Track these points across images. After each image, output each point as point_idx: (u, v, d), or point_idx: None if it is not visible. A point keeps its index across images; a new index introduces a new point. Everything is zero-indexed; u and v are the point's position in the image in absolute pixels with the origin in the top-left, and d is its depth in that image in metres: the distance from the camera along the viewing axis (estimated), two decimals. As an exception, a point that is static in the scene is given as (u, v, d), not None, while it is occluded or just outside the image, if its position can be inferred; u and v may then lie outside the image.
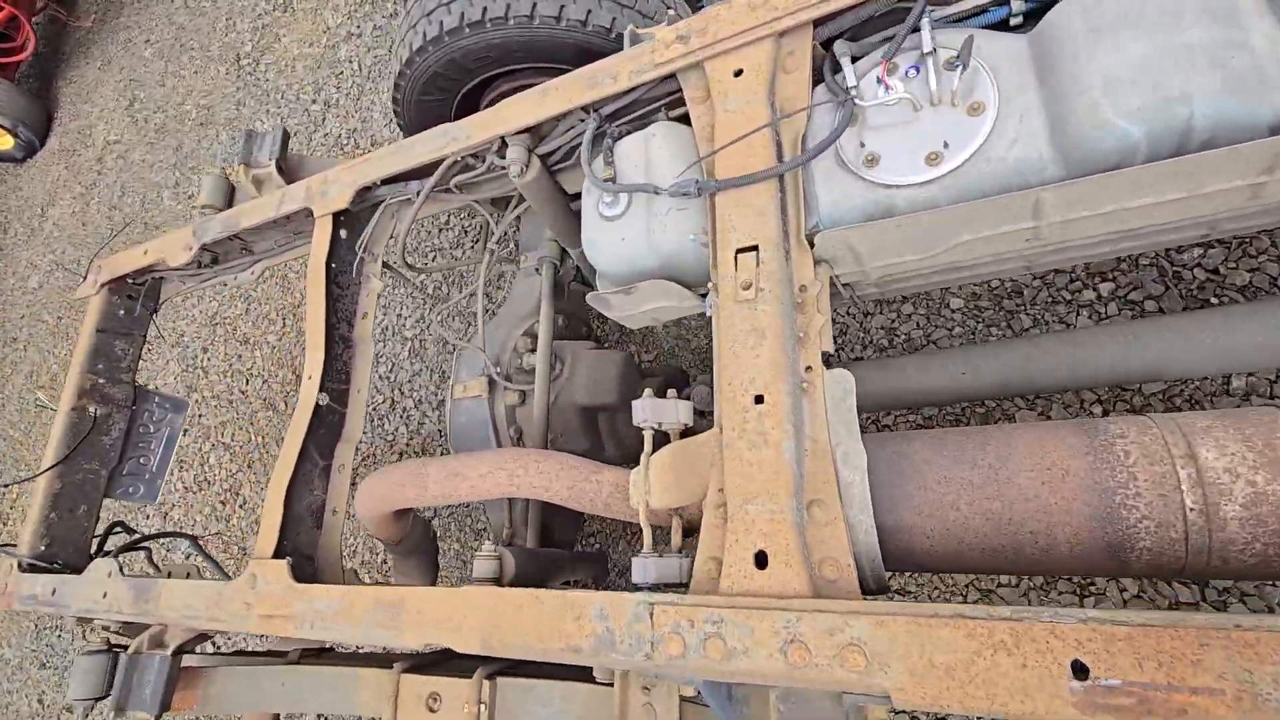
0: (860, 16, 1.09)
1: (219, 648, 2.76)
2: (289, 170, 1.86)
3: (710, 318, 1.11)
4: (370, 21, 4.02)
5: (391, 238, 1.77)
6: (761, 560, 0.89)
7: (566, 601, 1.00)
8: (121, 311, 2.20)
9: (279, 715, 1.79)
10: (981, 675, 0.72)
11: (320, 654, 1.64)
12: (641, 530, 1.06)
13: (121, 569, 1.66)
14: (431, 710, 1.30)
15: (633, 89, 1.26)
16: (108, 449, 2.14)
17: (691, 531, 1.10)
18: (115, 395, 2.16)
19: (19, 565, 1.90)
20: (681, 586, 0.99)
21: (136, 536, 2.12)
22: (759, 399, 0.96)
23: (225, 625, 1.38)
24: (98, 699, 1.64)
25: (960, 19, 1.05)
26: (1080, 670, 0.68)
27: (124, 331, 2.20)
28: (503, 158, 1.47)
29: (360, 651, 2.29)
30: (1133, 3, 0.88)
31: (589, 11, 1.67)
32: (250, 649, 2.64)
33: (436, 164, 1.53)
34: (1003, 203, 0.92)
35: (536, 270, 1.84)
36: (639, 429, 1.13)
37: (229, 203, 2.02)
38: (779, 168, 1.03)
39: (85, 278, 2.24)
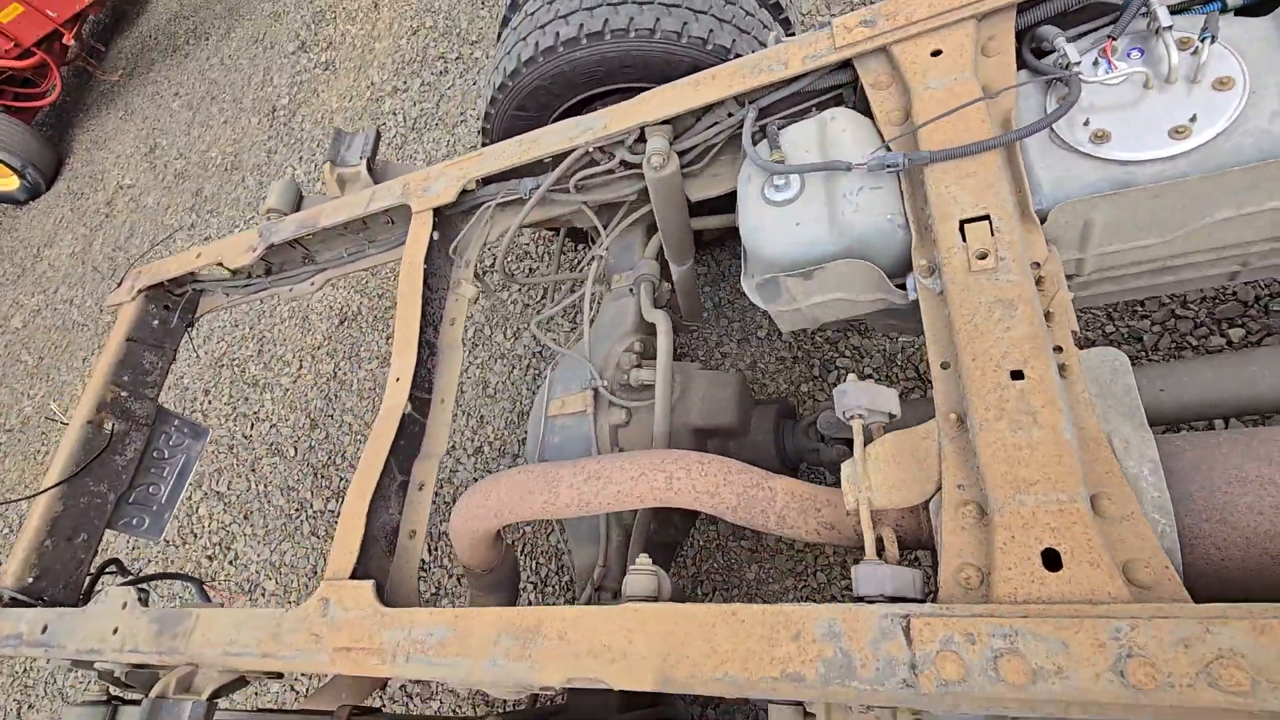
0: (1068, 2, 1.05)
1: (234, 702, 2.36)
2: (376, 174, 1.75)
3: (915, 301, 0.99)
4: (418, 78, 4.08)
5: (485, 245, 1.65)
6: (1053, 561, 0.73)
7: (778, 616, 0.81)
8: (155, 322, 2.01)
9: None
10: None
11: (372, 714, 1.36)
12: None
13: (141, 599, 1.39)
14: None
15: (799, 77, 1.20)
16: (120, 471, 1.89)
17: (907, 544, 0.93)
18: (136, 411, 1.93)
19: (1, 599, 1.60)
20: (920, 603, 0.81)
21: (133, 577, 1.82)
22: (1017, 374, 0.82)
23: (286, 663, 1.13)
24: None
25: (1179, 8, 1.01)
26: None
27: (155, 343, 2.00)
28: (636, 152, 1.38)
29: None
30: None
31: (710, 31, 1.65)
32: (278, 706, 2.27)
33: (558, 159, 1.44)
34: (1262, 173, 0.83)
35: (630, 291, 1.72)
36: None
37: (297, 208, 1.90)
38: (1010, 134, 0.94)
39: (120, 284, 2.06)
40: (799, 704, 0.82)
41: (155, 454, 2.03)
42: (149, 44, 6.94)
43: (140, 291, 1.98)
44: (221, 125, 5.23)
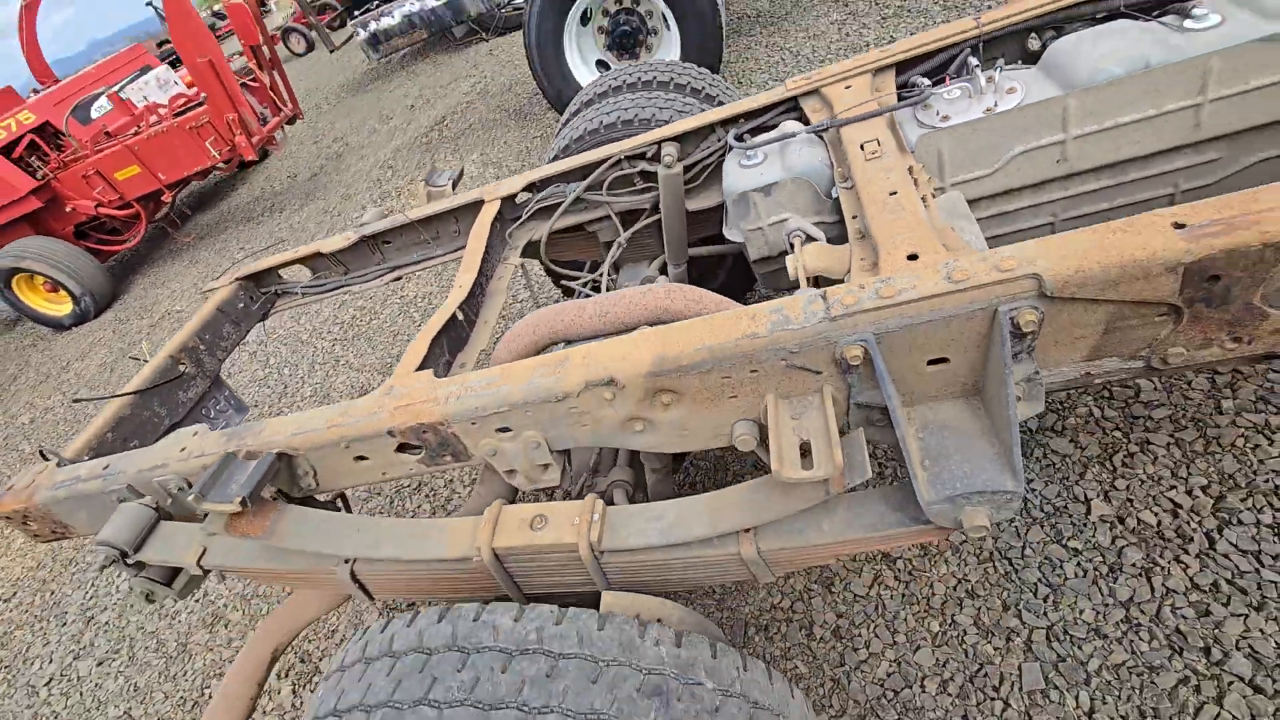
0: (927, 63, 1.74)
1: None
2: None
3: (836, 200, 1.51)
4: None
5: (529, 240, 2.19)
6: (913, 257, 1.15)
7: (740, 312, 1.19)
8: (241, 304, 2.45)
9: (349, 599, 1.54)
10: (1112, 246, 0.97)
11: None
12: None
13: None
14: (534, 529, 1.29)
15: (767, 108, 1.86)
16: (178, 405, 2.17)
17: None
18: (205, 364, 2.28)
19: (57, 462, 1.81)
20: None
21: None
22: (893, 193, 1.32)
23: (349, 429, 1.40)
24: (124, 553, 1.48)
25: (990, 59, 1.70)
26: (1180, 225, 0.95)
27: (235, 319, 2.41)
28: (653, 164, 2.00)
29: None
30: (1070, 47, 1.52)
31: (671, 115, 2.39)
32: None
33: (599, 165, 2.05)
34: (1038, 110, 1.43)
35: (636, 293, 2.22)
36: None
37: (382, 228, 2.46)
38: (888, 108, 1.55)
39: (220, 277, 2.53)
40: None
41: (204, 410, 2.31)
42: (226, 218, 8.12)
43: (237, 279, 2.45)
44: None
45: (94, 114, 7.30)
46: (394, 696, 0.99)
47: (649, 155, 2.01)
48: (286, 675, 2.46)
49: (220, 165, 6.39)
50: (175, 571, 1.60)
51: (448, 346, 1.74)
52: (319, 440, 1.43)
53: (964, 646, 1.69)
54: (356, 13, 5.62)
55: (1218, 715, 1.41)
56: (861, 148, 1.49)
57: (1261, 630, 1.48)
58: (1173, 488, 1.76)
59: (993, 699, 1.59)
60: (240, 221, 7.60)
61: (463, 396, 1.33)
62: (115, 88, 7.22)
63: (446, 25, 5.19)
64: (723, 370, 1.16)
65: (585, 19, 4.41)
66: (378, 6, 5.40)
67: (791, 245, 1.52)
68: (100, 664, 2.93)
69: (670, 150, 1.94)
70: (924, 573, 1.86)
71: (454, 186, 2.33)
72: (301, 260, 2.44)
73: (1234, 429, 1.80)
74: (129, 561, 1.50)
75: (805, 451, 1.11)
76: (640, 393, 1.22)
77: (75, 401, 3.04)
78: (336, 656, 1.19)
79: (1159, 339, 1.04)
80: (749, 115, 1.90)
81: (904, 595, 1.84)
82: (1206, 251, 0.92)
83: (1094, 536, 1.75)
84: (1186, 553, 1.65)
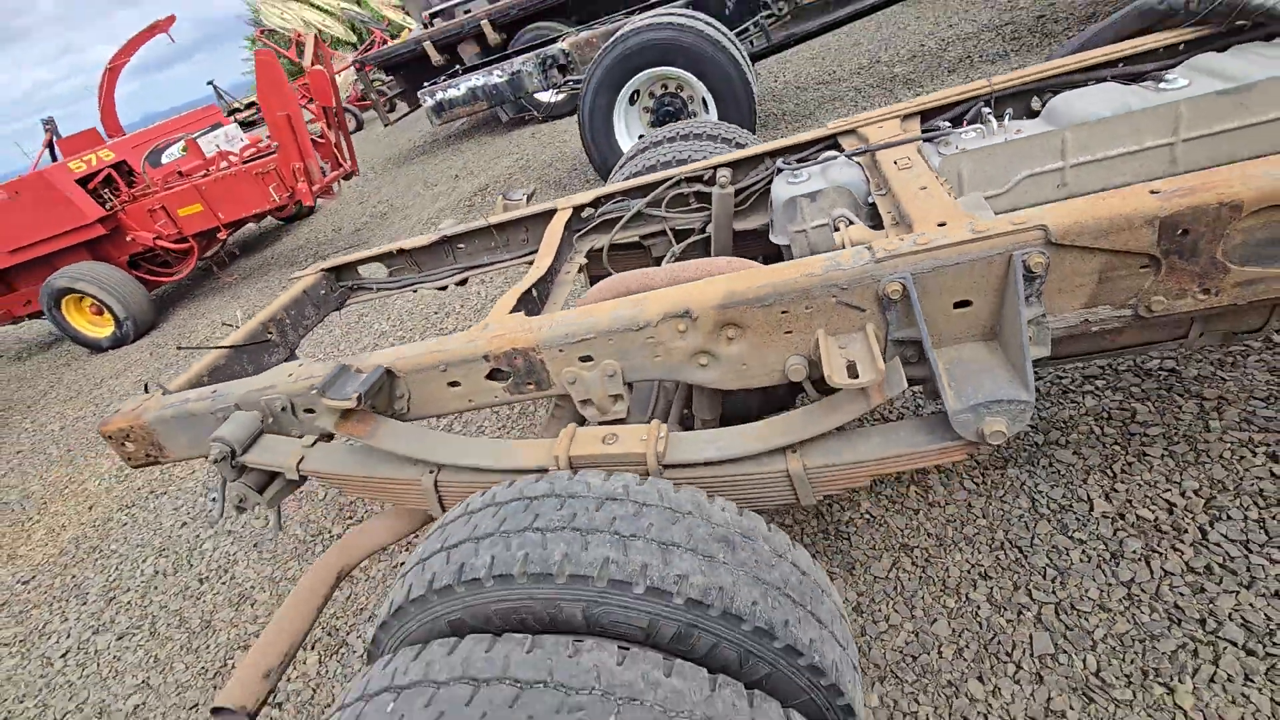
0: (947, 112, 2.08)
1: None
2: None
3: (873, 204, 1.80)
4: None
5: (591, 249, 2.48)
6: (942, 224, 1.42)
7: (798, 262, 1.44)
8: (322, 291, 2.72)
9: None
10: (1103, 206, 1.23)
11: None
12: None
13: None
14: (606, 443, 1.48)
15: (809, 143, 2.20)
16: (263, 366, 2.39)
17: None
18: (289, 338, 2.52)
19: (162, 392, 2.01)
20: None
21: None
22: (923, 188, 1.60)
23: (447, 355, 1.62)
24: (233, 451, 1.67)
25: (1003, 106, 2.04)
26: (1154, 191, 1.21)
27: (315, 304, 2.68)
28: (708, 185, 2.31)
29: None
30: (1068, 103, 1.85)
31: (705, 155, 2.74)
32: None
33: (660, 185, 2.37)
34: (1042, 140, 1.74)
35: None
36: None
37: (457, 236, 2.77)
38: (917, 137, 1.87)
39: (306, 269, 2.81)
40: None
41: (278, 380, 2.53)
42: (270, 261, 8.57)
43: (321, 270, 2.73)
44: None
45: (164, 159, 7.93)
46: (500, 529, 1.16)
47: (705, 179, 2.33)
48: (314, 647, 2.52)
49: (278, 208, 6.87)
50: (267, 482, 1.77)
51: (527, 312, 1.98)
52: (420, 362, 1.65)
53: (978, 619, 1.82)
54: (425, 84, 6.25)
55: (1214, 674, 1.53)
56: (894, 163, 1.80)
57: (1252, 604, 1.62)
58: (1168, 490, 1.94)
59: (1005, 662, 1.70)
60: (283, 265, 8.03)
61: (554, 326, 1.56)
62: (191, 136, 7.87)
63: (505, 99, 5.78)
64: (782, 304, 1.40)
65: (633, 99, 4.95)
66: (445, 80, 6.04)
67: (837, 226, 1.79)
68: (120, 638, 2.97)
69: (725, 174, 2.26)
70: (940, 559, 2.00)
71: (528, 200, 2.65)
72: (381, 257, 2.73)
73: (1221, 443, 2.00)
74: (235, 462, 1.68)
75: (851, 373, 1.32)
76: (710, 325, 1.45)
77: (180, 349, 3.28)
78: (439, 521, 1.35)
79: (1143, 289, 1.28)
80: (794, 148, 2.23)
81: (921, 577, 1.97)
82: (1175, 208, 1.18)
83: (1097, 529, 1.91)
84: (1182, 542, 1.80)
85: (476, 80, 5.82)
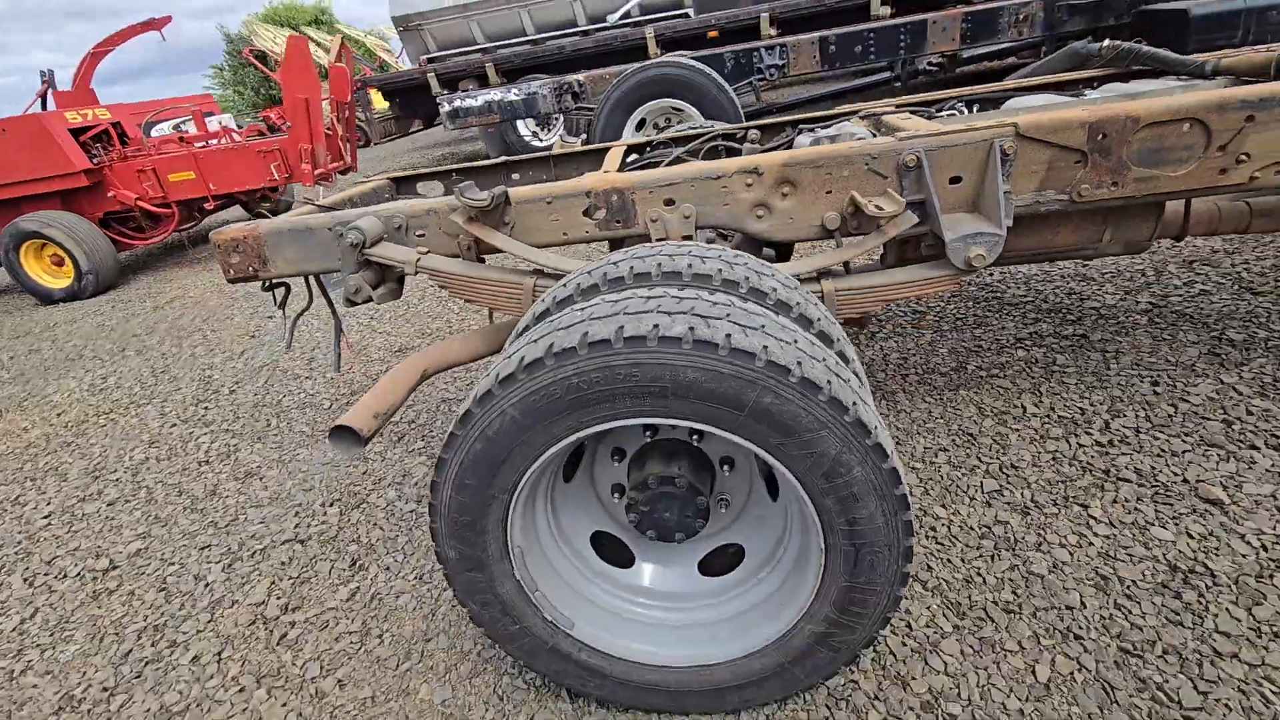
0: (932, 106, 2.73)
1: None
2: (575, 154, 3.13)
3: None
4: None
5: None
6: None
7: (840, 145, 1.95)
8: (386, 196, 3.05)
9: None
10: (1055, 113, 1.81)
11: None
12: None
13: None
14: None
15: (826, 117, 2.79)
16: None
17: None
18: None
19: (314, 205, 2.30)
20: (894, 159, 1.98)
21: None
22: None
23: (558, 189, 2.02)
24: (364, 241, 1.98)
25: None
26: (1086, 110, 1.80)
27: (376, 203, 3.00)
28: (744, 140, 2.86)
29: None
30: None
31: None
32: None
33: (699, 138, 2.89)
34: (996, 116, 2.37)
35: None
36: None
37: (509, 170, 3.18)
38: (909, 106, 2.48)
39: (373, 176, 3.15)
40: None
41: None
42: (243, 246, 8.59)
43: (387, 177, 3.08)
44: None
45: (154, 134, 8.04)
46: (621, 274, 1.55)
47: (739, 137, 2.87)
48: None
49: (269, 191, 7.07)
50: (378, 281, 2.07)
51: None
52: (532, 194, 2.04)
53: (939, 473, 2.26)
54: (445, 91, 6.79)
55: (1115, 497, 2.02)
56: (896, 120, 2.39)
57: (1140, 461, 2.14)
58: (1081, 401, 2.49)
59: (960, 496, 2.14)
60: (260, 249, 8.10)
61: (647, 174, 2.00)
62: (183, 121, 8.04)
63: (519, 115, 6.36)
64: (828, 168, 1.90)
65: (640, 126, 5.61)
66: (463, 92, 6.60)
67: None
68: (111, 504, 3.00)
69: (755, 134, 2.81)
70: (907, 443, 2.45)
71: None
72: (440, 174, 3.11)
73: (1119, 377, 2.59)
74: (364, 252, 1.99)
75: (879, 206, 1.81)
76: (772, 180, 1.93)
77: (304, 201, 3.40)
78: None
79: (1075, 179, 1.85)
80: (814, 120, 2.81)
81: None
82: (1098, 116, 1.77)
83: (1029, 423, 2.43)
84: (1091, 427, 2.33)
85: (494, 94, 6.40)
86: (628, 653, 1.51)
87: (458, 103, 6.39)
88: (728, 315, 1.22)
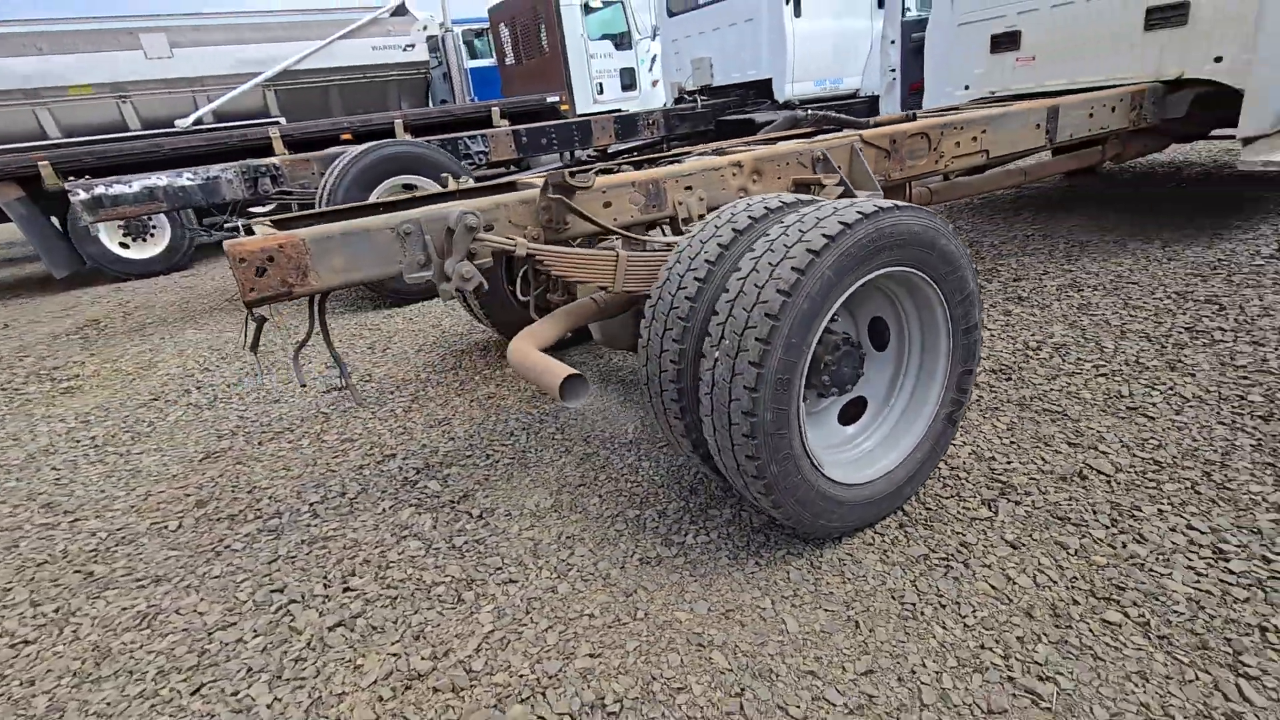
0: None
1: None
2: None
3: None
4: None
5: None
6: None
7: (794, 143, 2.85)
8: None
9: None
10: (896, 129, 3.05)
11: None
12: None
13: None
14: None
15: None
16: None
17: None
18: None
19: (292, 232, 2.04)
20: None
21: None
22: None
23: (612, 180, 2.39)
24: (476, 226, 2.04)
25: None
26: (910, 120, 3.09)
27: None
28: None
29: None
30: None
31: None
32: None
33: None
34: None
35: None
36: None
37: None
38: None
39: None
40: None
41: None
42: None
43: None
44: None
45: None
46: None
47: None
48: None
49: None
50: (488, 273, 2.07)
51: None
52: (606, 183, 2.37)
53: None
54: (72, 178, 5.36)
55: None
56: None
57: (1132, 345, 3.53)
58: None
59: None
60: None
61: (672, 168, 2.55)
62: None
63: (194, 203, 5.55)
64: (779, 161, 2.76)
65: (377, 203, 5.59)
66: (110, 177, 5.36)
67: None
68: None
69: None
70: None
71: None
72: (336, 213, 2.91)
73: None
74: (476, 236, 1.99)
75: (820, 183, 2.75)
76: (748, 170, 2.70)
77: None
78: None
79: (886, 167, 3.11)
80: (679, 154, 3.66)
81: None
82: (890, 134, 3.07)
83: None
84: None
85: (159, 180, 5.40)
86: (856, 479, 2.02)
87: (99, 190, 5.16)
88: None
